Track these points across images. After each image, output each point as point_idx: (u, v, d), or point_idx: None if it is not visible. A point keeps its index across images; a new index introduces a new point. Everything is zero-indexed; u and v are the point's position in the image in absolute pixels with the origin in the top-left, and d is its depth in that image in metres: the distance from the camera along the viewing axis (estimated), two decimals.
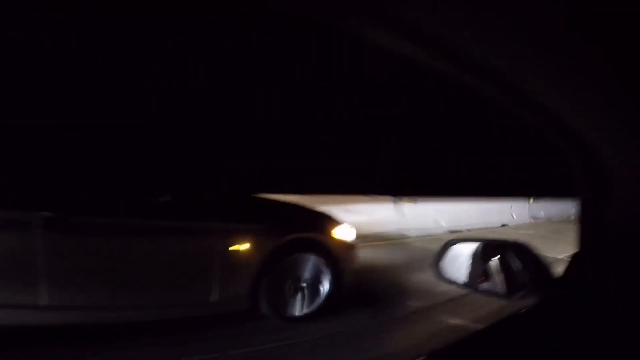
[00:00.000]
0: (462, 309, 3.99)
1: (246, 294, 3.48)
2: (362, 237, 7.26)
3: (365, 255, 6.32)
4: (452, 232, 8.91)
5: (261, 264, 3.52)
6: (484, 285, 1.05)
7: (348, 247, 4.09)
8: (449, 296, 4.20)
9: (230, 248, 3.41)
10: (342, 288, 3.93)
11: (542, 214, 11.23)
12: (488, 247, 1.07)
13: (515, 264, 1.00)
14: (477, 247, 1.06)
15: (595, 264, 0.96)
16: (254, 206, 3.84)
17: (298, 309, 3.76)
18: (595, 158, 0.84)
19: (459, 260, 1.06)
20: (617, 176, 0.85)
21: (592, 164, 0.86)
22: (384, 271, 5.47)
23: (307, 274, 3.80)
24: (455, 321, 3.81)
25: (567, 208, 10.66)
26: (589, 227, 0.95)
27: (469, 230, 9.33)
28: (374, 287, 4.76)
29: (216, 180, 3.77)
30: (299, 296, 3.77)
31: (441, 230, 9.10)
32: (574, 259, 1.00)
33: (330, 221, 4.09)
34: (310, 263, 3.82)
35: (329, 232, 3.97)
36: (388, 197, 8.97)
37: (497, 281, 1.02)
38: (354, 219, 7.72)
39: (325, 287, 3.86)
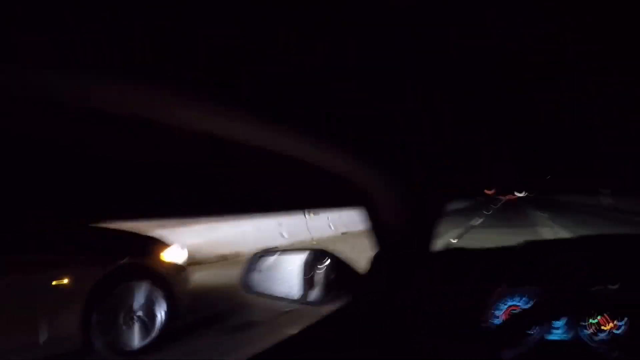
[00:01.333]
0: (302, 319, 4.16)
1: (77, 331, 3.14)
2: (197, 258, 7.08)
3: (201, 277, 6.17)
4: (292, 244, 9.22)
5: (89, 297, 3.21)
6: (300, 294, 1.07)
7: (179, 269, 3.93)
8: (287, 308, 4.20)
9: (54, 282, 3.07)
10: (178, 313, 3.76)
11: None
12: (292, 257, 1.10)
13: (323, 270, 1.04)
14: (283, 258, 1.11)
15: (383, 263, 1.06)
16: (75, 235, 3.46)
17: (135, 341, 3.50)
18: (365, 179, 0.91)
19: (272, 272, 1.08)
20: (380, 192, 0.94)
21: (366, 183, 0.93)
22: (221, 291, 5.36)
23: (139, 302, 3.55)
24: (296, 331, 3.96)
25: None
26: (375, 232, 1.04)
27: (313, 240, 9.83)
28: (212, 309, 4.63)
29: (34, 210, 3.30)
30: (134, 327, 3.51)
31: (285, 243, 9.31)
32: (373, 261, 1.08)
33: (159, 244, 3.88)
34: (141, 290, 3.58)
35: (158, 256, 3.78)
36: (226, 216, 8.93)
37: (307, 288, 1.04)
38: (190, 241, 7.50)
39: (160, 314, 3.66)
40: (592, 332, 1.11)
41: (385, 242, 1.05)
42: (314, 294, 1.05)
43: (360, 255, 1.17)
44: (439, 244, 1.26)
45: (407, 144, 0.92)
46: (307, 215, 10.51)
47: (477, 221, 14.77)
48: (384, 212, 0.99)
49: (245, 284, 1.07)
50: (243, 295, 4.61)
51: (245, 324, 4.16)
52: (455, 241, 9.90)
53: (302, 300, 1.07)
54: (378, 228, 1.03)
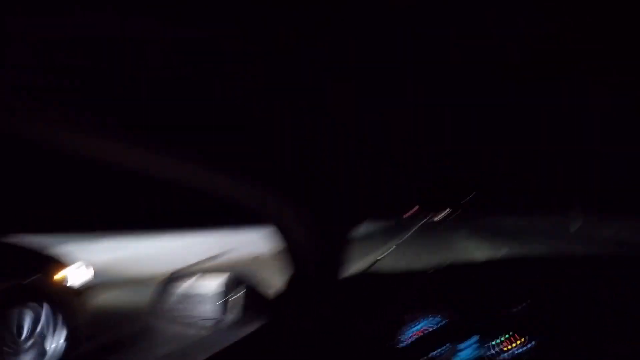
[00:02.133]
0: (214, 347, 3.96)
1: None
2: (105, 278, 6.54)
3: (108, 298, 5.71)
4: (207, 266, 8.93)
5: None
6: (214, 319, 1.08)
7: (82, 291, 3.55)
8: (198, 336, 3.94)
9: None
10: (78, 341, 3.39)
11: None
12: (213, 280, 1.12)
13: (237, 294, 1.03)
14: (197, 281, 1.09)
15: (295, 287, 1.09)
16: None
17: None
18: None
19: (186, 296, 1.09)
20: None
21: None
22: (128, 315, 4.97)
23: (30, 329, 3.11)
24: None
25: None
26: (287, 254, 1.07)
27: (230, 261, 9.54)
28: (117, 335, 4.27)
29: None
30: (24, 358, 3.06)
31: (200, 262, 8.97)
32: (286, 285, 1.10)
33: (57, 262, 3.45)
34: (33, 316, 3.14)
35: (54, 275, 3.34)
36: (137, 232, 8.46)
37: (222, 312, 1.07)
38: (98, 259, 6.93)
39: (57, 342, 3.24)
40: (496, 352, 1.15)
41: (297, 265, 1.07)
42: (228, 318, 1.03)
43: (275, 277, 1.16)
44: (357, 265, 1.28)
45: (317, 168, 0.95)
46: (220, 236, 10.27)
47: (399, 241, 15.38)
48: (294, 235, 1.01)
49: (157, 309, 1.01)
50: (153, 320, 4.34)
51: (150, 352, 3.90)
52: (376, 260, 10.20)
53: (216, 325, 1.04)
54: (289, 251, 1.05)
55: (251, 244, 11.35)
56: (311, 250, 1.04)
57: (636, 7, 0.63)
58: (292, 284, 1.09)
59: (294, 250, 1.04)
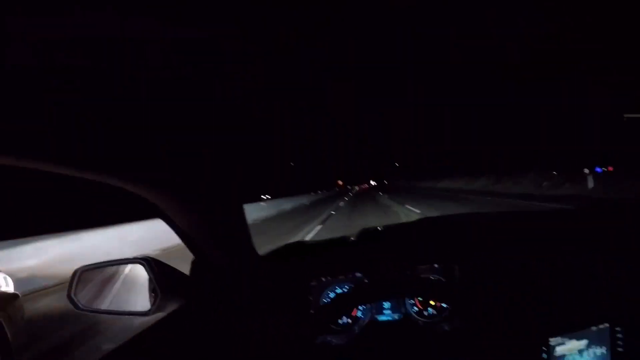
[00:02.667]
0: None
1: None
2: (31, 285, 6.13)
3: (37, 305, 5.40)
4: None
5: None
6: (130, 305, 1.09)
7: (9, 300, 3.41)
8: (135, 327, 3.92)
9: None
10: (9, 353, 3.25)
11: None
12: (125, 268, 1.10)
13: (150, 278, 1.04)
14: (109, 270, 1.11)
15: (203, 269, 1.10)
16: None
17: None
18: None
19: (100, 286, 1.08)
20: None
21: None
22: (64, 319, 4.69)
23: None
24: None
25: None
26: (184, 240, 1.07)
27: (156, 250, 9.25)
28: (54, 340, 4.10)
29: None
30: None
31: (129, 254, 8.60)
32: (192, 267, 1.12)
33: None
34: None
35: None
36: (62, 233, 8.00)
37: (136, 298, 1.07)
38: (21, 265, 6.49)
39: None
40: (419, 309, 1.19)
41: (197, 249, 1.08)
42: (143, 303, 1.06)
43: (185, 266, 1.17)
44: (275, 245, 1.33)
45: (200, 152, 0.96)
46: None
47: (332, 212, 15.59)
48: (181, 220, 1.01)
49: (73, 301, 1.03)
50: (85, 322, 4.10)
51: (92, 352, 3.78)
52: (309, 235, 10.26)
53: (132, 311, 1.08)
54: (183, 235, 1.04)
55: (161, 236, 11.04)
56: (203, 230, 1.05)
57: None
58: (199, 265, 1.11)
59: (188, 232, 1.04)
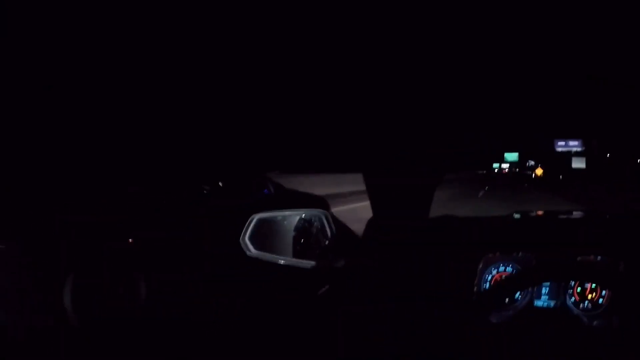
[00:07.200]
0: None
1: None
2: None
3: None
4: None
5: None
6: (298, 256, 1.11)
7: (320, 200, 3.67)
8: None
9: None
10: None
11: None
12: (298, 220, 1.13)
13: (323, 231, 1.07)
14: (282, 219, 1.13)
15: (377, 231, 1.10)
16: None
17: None
18: None
19: (271, 233, 1.10)
20: None
21: None
22: None
23: None
24: None
25: None
26: (372, 197, 1.08)
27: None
28: None
29: None
30: None
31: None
32: (367, 226, 1.12)
33: None
34: None
35: None
36: None
37: (304, 249, 1.10)
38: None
39: None
40: (576, 300, 1.15)
41: (380, 208, 1.08)
42: (312, 255, 1.07)
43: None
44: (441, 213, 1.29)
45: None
46: None
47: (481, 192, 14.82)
48: (379, 179, 1.03)
49: (245, 245, 1.06)
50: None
51: None
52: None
53: (300, 262, 1.08)
54: (375, 193, 1.06)
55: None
56: (395, 192, 1.06)
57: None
58: (374, 227, 1.11)
59: (380, 191, 1.06)
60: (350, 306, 1.07)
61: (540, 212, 1.43)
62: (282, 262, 1.09)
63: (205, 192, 3.05)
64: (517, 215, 1.37)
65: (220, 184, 3.08)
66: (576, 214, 1.44)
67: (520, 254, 1.21)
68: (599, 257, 1.17)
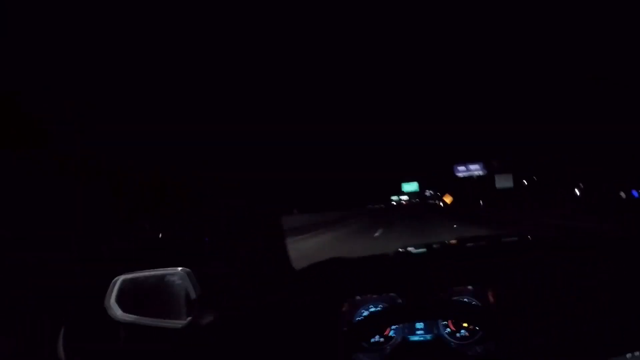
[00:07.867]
0: None
1: None
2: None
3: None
4: None
5: None
6: (166, 315, 1.08)
7: None
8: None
9: None
10: None
11: None
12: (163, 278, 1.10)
13: (187, 288, 1.05)
14: (146, 278, 1.10)
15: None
16: None
17: None
18: None
19: (137, 294, 1.08)
20: None
21: None
22: None
23: None
24: None
25: None
26: None
27: None
28: None
29: None
30: None
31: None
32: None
33: None
34: None
35: None
36: None
37: (172, 307, 1.07)
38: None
39: None
40: (452, 330, 1.18)
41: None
42: (181, 312, 1.03)
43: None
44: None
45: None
46: None
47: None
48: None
49: (111, 309, 1.03)
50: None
51: None
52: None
53: (170, 322, 1.05)
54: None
55: None
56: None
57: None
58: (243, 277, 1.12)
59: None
60: None
61: (412, 248, 1.49)
62: (149, 323, 1.06)
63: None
64: (388, 254, 1.40)
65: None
66: (452, 243, 1.52)
67: (389, 294, 1.22)
68: (469, 287, 1.21)
